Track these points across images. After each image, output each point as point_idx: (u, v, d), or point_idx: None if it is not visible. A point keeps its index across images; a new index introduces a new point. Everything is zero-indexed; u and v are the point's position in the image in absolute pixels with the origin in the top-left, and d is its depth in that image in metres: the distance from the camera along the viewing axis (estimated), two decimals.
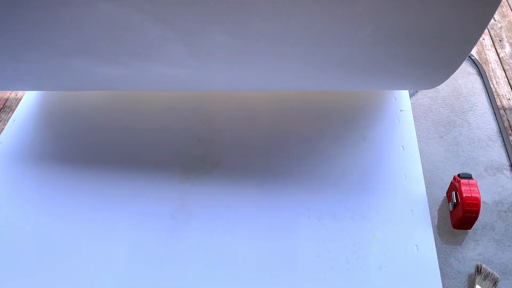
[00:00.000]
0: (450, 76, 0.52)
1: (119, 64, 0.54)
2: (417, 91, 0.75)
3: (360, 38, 0.48)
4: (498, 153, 0.65)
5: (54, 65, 0.55)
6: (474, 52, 1.74)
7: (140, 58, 0.52)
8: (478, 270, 0.52)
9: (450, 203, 0.57)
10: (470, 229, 0.56)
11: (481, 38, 1.80)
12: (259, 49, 0.51)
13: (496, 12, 1.91)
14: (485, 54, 1.74)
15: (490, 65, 1.70)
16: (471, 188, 0.54)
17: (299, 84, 0.60)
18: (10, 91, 1.09)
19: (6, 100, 1.07)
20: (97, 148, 0.66)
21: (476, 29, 0.44)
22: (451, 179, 0.59)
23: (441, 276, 0.52)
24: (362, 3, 0.43)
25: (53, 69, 0.56)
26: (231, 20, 0.46)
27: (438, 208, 0.59)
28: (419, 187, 0.60)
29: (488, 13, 0.42)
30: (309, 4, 0.43)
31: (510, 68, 1.70)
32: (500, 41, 1.79)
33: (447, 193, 0.60)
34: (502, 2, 1.96)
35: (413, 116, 0.69)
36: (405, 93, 0.72)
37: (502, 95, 1.60)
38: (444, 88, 0.75)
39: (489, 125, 0.69)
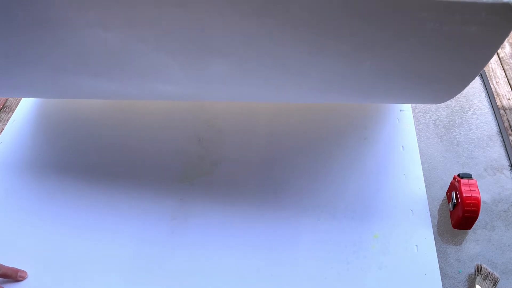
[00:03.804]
0: (456, 95, 0.52)
1: (119, 82, 0.55)
2: None
3: (360, 73, 0.49)
4: (498, 153, 0.65)
5: (54, 81, 0.56)
6: None
7: (140, 78, 0.53)
8: (478, 270, 0.52)
9: (450, 203, 0.57)
10: (470, 229, 0.56)
11: None
12: (259, 79, 0.52)
13: None
14: None
15: (490, 65, 1.70)
16: (471, 188, 0.54)
17: (300, 100, 0.61)
18: None
19: (6, 100, 1.07)
20: (97, 148, 0.66)
21: (480, 63, 0.44)
22: (451, 179, 0.59)
23: (441, 276, 0.52)
24: (361, 41, 0.43)
25: (53, 83, 0.57)
26: (231, 52, 0.46)
27: (438, 208, 0.59)
28: (419, 187, 0.60)
29: (489, 54, 0.43)
30: (308, 39, 0.44)
31: (510, 68, 1.70)
32: None
33: (447, 193, 0.60)
34: None
35: (413, 116, 0.69)
36: None
37: (502, 95, 1.60)
38: None
39: (489, 125, 0.69)
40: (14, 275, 0.53)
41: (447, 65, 0.46)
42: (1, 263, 0.52)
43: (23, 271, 0.53)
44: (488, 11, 0.38)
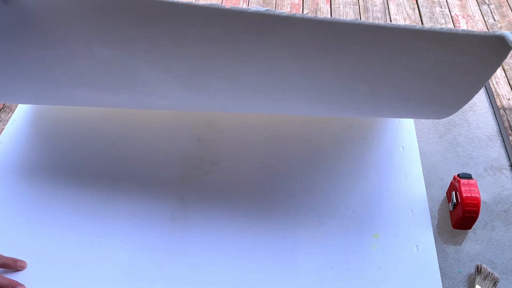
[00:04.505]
0: (458, 110, 0.53)
1: (115, 96, 0.57)
2: None
3: (357, 94, 0.50)
4: (498, 153, 0.65)
5: (50, 92, 0.58)
6: None
7: (136, 92, 0.55)
8: (478, 270, 0.52)
9: (450, 203, 0.57)
10: (470, 229, 0.56)
11: None
12: (258, 98, 0.53)
13: (496, 12, 1.91)
14: None
15: None
16: (471, 188, 0.54)
17: (297, 114, 0.62)
18: None
19: None
20: (97, 147, 0.66)
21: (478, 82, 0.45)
22: (451, 179, 0.59)
23: (441, 276, 0.52)
24: (356, 67, 0.44)
25: (49, 94, 0.59)
26: (229, 73, 0.47)
27: (438, 208, 0.59)
28: (419, 187, 0.60)
29: (485, 78, 0.43)
30: (306, 65, 0.45)
31: (510, 68, 1.70)
32: None
33: (447, 193, 0.60)
34: (501, 2, 1.96)
35: None
36: None
37: (502, 95, 1.60)
38: None
39: (489, 125, 0.69)
40: (13, 265, 0.53)
41: (440, 91, 0.48)
42: (0, 253, 0.53)
43: (22, 261, 0.54)
44: (480, 43, 0.39)
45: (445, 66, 0.42)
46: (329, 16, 1.91)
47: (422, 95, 0.50)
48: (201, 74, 0.49)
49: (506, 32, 0.38)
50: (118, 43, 0.45)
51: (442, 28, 0.38)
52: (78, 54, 0.47)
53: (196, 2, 0.38)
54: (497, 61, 0.41)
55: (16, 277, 0.53)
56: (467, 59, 0.41)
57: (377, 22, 0.37)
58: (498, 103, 1.58)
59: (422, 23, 1.85)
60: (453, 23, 1.85)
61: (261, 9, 0.38)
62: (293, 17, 0.38)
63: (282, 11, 0.38)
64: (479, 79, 0.44)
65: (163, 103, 0.58)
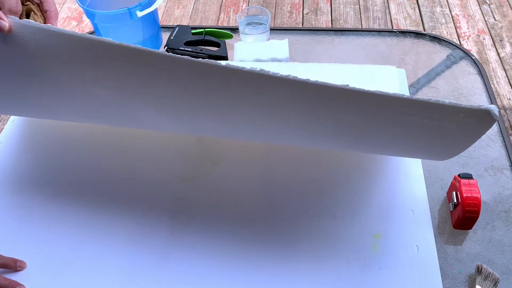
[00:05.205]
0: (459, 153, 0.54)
1: (111, 123, 0.61)
2: (417, 91, 0.74)
3: (346, 146, 0.54)
4: (498, 153, 0.65)
5: (50, 117, 0.62)
6: (474, 52, 1.74)
7: (132, 122, 0.58)
8: (479, 270, 0.52)
9: (450, 203, 0.57)
10: (470, 229, 0.56)
11: (481, 38, 1.80)
12: (248, 135, 0.56)
13: (497, 12, 1.91)
14: (485, 54, 1.74)
15: (490, 65, 1.69)
16: (471, 188, 0.54)
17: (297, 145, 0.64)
18: None
19: None
20: (96, 147, 0.66)
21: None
22: (452, 179, 0.59)
23: (442, 276, 0.52)
24: (349, 124, 0.47)
25: (48, 116, 0.64)
26: (222, 114, 0.50)
27: (438, 208, 0.59)
28: (420, 187, 0.60)
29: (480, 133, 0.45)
30: (305, 119, 0.48)
31: (510, 68, 1.70)
32: (501, 41, 1.78)
33: (447, 193, 0.60)
34: (502, 2, 1.96)
35: None
36: (405, 94, 0.72)
37: (503, 95, 1.60)
38: (445, 88, 0.75)
39: None
40: (13, 265, 0.53)
41: (426, 148, 0.51)
42: (0, 254, 0.53)
43: (22, 261, 0.54)
44: (466, 114, 0.41)
45: (432, 129, 0.44)
46: (329, 16, 1.91)
47: (412, 148, 0.53)
48: (196, 119, 0.52)
49: (491, 106, 0.39)
50: (116, 86, 0.47)
51: (430, 99, 0.39)
52: (78, 92, 0.50)
53: (195, 58, 0.40)
54: (482, 131, 0.43)
55: (16, 277, 0.53)
56: (452, 126, 0.43)
57: (366, 89, 0.40)
58: (499, 103, 1.58)
59: (422, 23, 1.85)
60: (454, 23, 1.85)
61: (256, 69, 0.40)
62: (286, 78, 0.40)
63: (276, 72, 0.40)
64: (465, 142, 0.47)
65: (157, 129, 0.61)
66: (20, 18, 0.45)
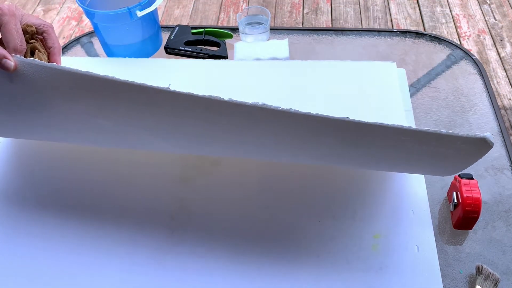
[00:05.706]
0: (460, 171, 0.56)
1: (110, 147, 0.63)
2: (417, 91, 0.74)
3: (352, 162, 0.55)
4: (499, 153, 0.65)
5: (53, 140, 0.64)
6: (475, 51, 1.74)
7: (132, 147, 0.60)
8: (479, 270, 0.52)
9: (450, 203, 0.57)
10: (471, 229, 0.56)
11: (482, 38, 1.80)
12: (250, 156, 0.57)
13: (497, 12, 1.91)
14: (486, 53, 1.74)
15: (491, 65, 1.69)
16: (471, 188, 0.54)
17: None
18: None
19: None
20: (97, 146, 0.66)
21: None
22: (452, 179, 0.59)
23: (442, 276, 0.52)
24: (352, 147, 0.49)
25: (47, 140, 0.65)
26: (221, 141, 0.52)
27: (439, 208, 0.59)
28: (420, 187, 0.59)
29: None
30: (306, 145, 0.50)
31: (511, 68, 1.70)
32: (501, 40, 1.78)
33: (447, 193, 0.59)
34: (502, 2, 1.96)
35: (414, 116, 0.69)
36: (406, 94, 0.72)
37: (503, 95, 1.60)
38: (445, 88, 0.75)
39: (490, 125, 0.69)
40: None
41: (428, 167, 0.54)
42: None
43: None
44: (463, 141, 0.42)
45: (431, 154, 0.46)
46: (330, 15, 1.91)
47: (409, 169, 0.56)
48: (199, 146, 0.55)
49: (487, 134, 0.41)
50: (120, 119, 0.49)
51: (428, 129, 0.41)
52: (82, 122, 0.52)
53: (196, 93, 0.41)
54: (479, 155, 0.45)
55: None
56: (450, 152, 0.45)
57: (366, 121, 0.42)
58: (499, 103, 1.58)
59: (422, 23, 1.85)
60: (454, 23, 1.85)
61: (258, 103, 0.41)
62: (288, 112, 0.41)
63: (278, 106, 0.41)
64: (464, 164, 0.49)
65: (155, 150, 0.63)
66: (25, 56, 0.47)
